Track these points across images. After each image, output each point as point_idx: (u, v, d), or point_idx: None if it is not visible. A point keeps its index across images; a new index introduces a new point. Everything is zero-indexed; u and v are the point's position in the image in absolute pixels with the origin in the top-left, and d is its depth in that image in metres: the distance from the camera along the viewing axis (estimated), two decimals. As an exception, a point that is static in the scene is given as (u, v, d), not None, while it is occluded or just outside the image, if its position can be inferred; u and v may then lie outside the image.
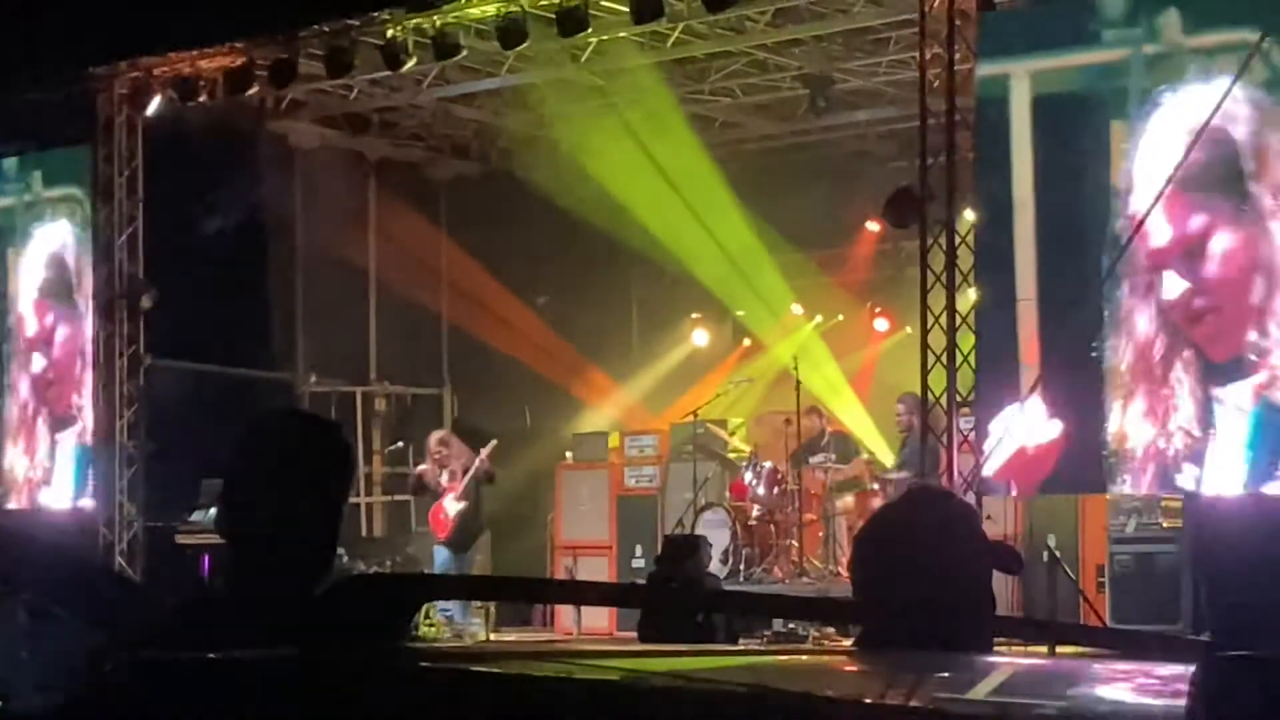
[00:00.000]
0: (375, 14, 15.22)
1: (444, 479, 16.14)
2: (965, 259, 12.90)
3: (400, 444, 19.08)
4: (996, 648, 3.18)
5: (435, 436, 16.69)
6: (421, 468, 16.63)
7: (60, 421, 17.09)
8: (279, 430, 3.64)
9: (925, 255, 13.10)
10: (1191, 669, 2.01)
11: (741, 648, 10.34)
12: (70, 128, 16.94)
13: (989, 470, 12.29)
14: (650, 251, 18.87)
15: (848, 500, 16.12)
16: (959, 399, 12.82)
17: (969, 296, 12.93)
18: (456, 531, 15.96)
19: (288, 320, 19.07)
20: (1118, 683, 2.35)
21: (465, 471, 16.01)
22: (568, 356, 19.79)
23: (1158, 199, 11.58)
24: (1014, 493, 12.85)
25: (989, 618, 3.52)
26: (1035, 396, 12.07)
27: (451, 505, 15.99)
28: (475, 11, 14.92)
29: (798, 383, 16.55)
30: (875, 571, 3.51)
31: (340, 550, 7.94)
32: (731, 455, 17.18)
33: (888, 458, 16.64)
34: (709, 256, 18.67)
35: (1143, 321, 11.87)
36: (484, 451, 16.10)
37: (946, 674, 2.44)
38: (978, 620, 3.21)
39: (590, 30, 14.73)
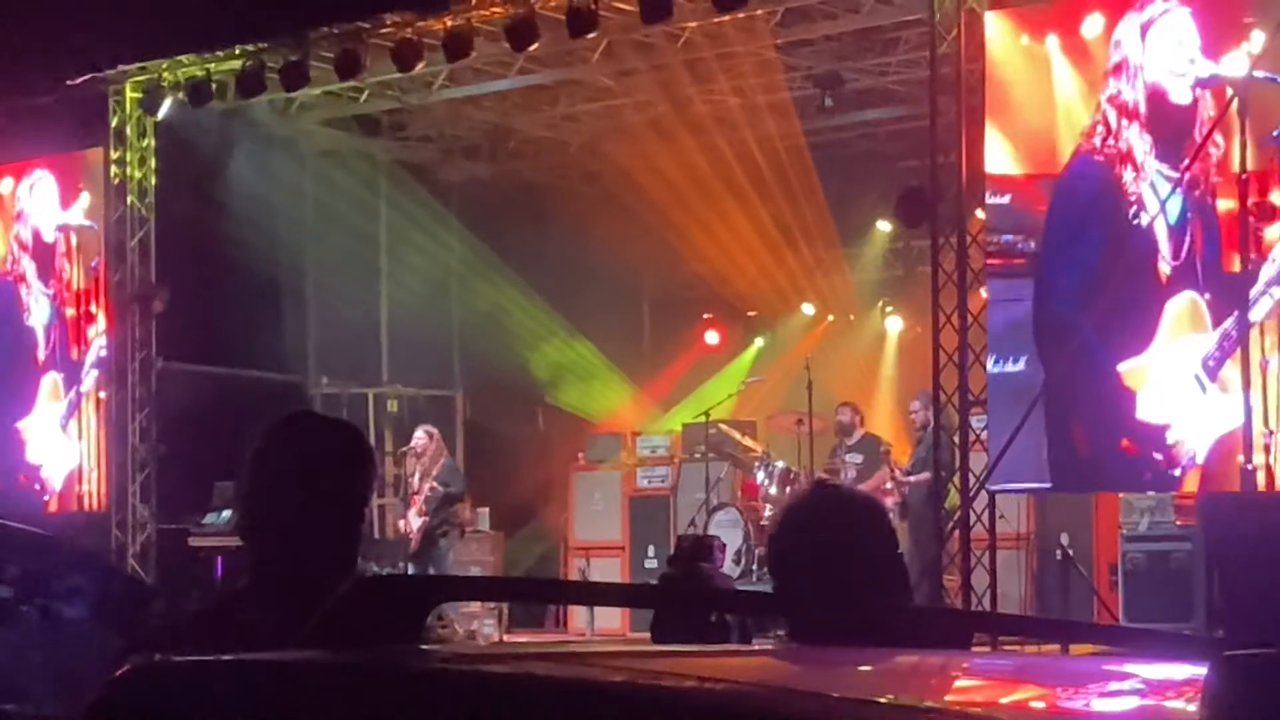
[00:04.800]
0: (385, 16, 15.24)
1: (415, 480, 16.01)
2: (976, 258, 12.90)
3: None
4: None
5: (420, 428, 16.44)
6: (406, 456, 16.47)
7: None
8: (300, 433, 3.63)
9: (936, 254, 13.11)
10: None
11: (755, 647, 10.33)
12: (83, 131, 16.97)
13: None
14: (662, 252, 18.87)
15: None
16: (971, 398, 12.82)
17: (980, 295, 12.93)
18: (418, 548, 15.75)
19: (299, 322, 19.08)
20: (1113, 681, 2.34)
21: (426, 476, 15.80)
22: (579, 357, 19.79)
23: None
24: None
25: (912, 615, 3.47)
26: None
27: (414, 518, 15.87)
28: (485, 12, 14.93)
29: (809, 383, 16.54)
30: (787, 574, 3.50)
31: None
32: (743, 455, 17.17)
33: (903, 456, 16.60)
34: (721, 257, 18.67)
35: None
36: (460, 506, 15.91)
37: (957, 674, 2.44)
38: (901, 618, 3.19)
39: (600, 30, 14.73)
